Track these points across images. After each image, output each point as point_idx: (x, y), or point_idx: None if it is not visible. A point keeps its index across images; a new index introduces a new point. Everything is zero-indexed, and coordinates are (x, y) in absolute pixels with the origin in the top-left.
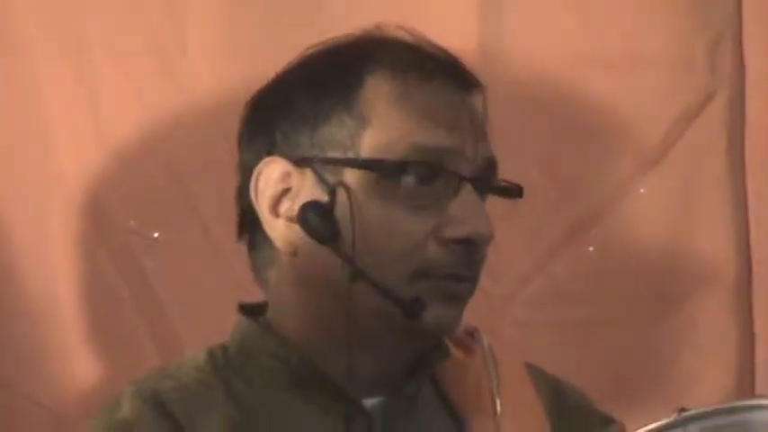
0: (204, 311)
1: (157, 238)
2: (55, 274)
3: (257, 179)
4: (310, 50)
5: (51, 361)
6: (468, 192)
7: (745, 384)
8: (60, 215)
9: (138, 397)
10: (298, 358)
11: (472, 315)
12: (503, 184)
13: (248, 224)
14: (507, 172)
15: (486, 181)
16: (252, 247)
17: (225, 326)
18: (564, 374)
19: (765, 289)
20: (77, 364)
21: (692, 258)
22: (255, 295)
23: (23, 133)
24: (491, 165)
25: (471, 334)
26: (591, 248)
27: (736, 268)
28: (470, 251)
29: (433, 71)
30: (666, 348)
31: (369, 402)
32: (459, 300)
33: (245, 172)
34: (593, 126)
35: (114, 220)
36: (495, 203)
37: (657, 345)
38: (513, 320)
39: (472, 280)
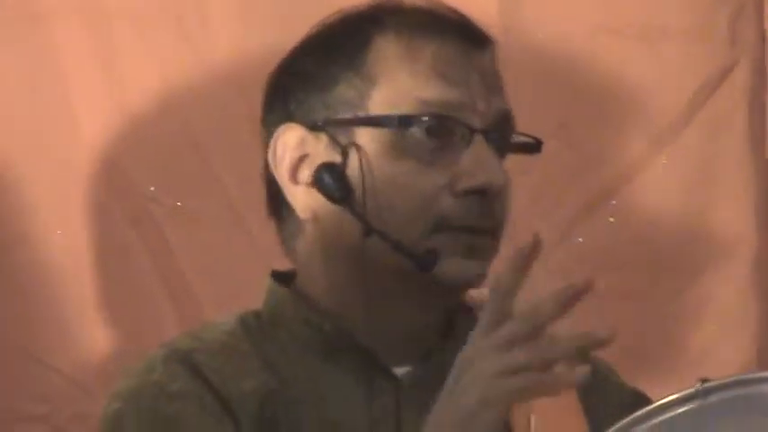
0: (224, 278)
1: (178, 204)
2: (75, 241)
3: (275, 148)
4: (325, 19)
5: (71, 328)
6: (479, 144)
7: (765, 356)
8: (80, 182)
9: (172, 359)
10: (330, 325)
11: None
12: (520, 137)
13: (275, 198)
14: None
15: (501, 134)
16: (279, 220)
17: (246, 293)
18: None
19: None
20: (97, 331)
21: (712, 230)
22: (276, 263)
23: (44, 101)
24: (505, 118)
25: None
26: (611, 219)
27: (757, 240)
28: (485, 202)
29: (440, 29)
30: (686, 320)
31: (400, 370)
32: (478, 252)
33: (266, 144)
34: (614, 97)
35: (134, 186)
36: (515, 173)
37: (677, 316)
38: (533, 291)
39: (491, 232)
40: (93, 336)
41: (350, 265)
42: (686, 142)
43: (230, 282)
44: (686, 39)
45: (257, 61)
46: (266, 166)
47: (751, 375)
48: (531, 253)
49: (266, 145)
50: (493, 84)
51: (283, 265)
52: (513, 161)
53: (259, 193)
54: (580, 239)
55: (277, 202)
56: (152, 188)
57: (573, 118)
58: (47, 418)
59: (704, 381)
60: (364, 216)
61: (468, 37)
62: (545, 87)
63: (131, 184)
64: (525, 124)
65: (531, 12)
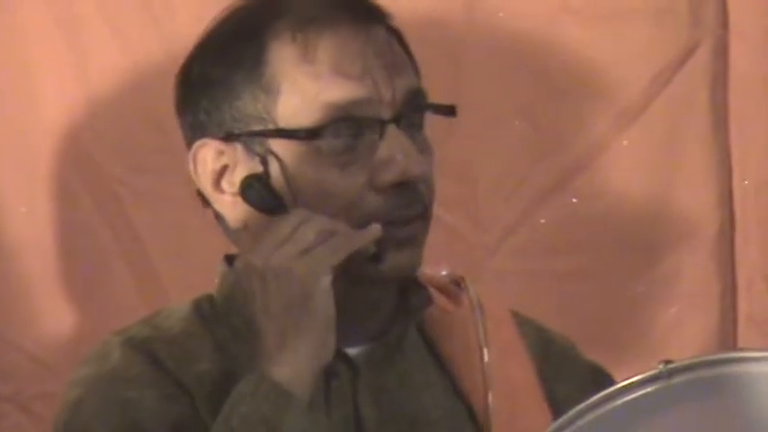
0: (189, 259)
1: (142, 186)
2: (40, 219)
3: (194, 163)
4: (220, 15)
5: (35, 307)
6: (392, 133)
7: (728, 337)
8: (46, 163)
9: (128, 346)
10: None
11: (455, 265)
12: (432, 106)
13: (207, 203)
14: (490, 121)
15: (412, 112)
16: (217, 218)
17: (210, 274)
18: (547, 325)
19: (747, 241)
20: (62, 310)
21: (674, 210)
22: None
23: (9, 84)
24: (414, 95)
25: (458, 283)
26: (574, 200)
27: (719, 220)
28: (408, 191)
29: (334, 16)
30: (649, 299)
31: (353, 351)
32: (410, 242)
33: (188, 148)
34: (577, 77)
35: (99, 166)
36: (476, 153)
37: (640, 296)
38: (496, 271)
39: (421, 218)
40: (57, 315)
41: None
42: (648, 123)
43: (194, 263)
44: (648, 19)
45: None
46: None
47: (714, 356)
48: None
49: (188, 147)
50: (394, 64)
51: None
52: (478, 144)
53: None
54: (543, 220)
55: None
56: (117, 168)
57: (535, 99)
58: (11, 397)
59: (667, 362)
60: None
61: (363, 17)
62: (507, 67)
63: (96, 165)
64: (488, 105)
65: None
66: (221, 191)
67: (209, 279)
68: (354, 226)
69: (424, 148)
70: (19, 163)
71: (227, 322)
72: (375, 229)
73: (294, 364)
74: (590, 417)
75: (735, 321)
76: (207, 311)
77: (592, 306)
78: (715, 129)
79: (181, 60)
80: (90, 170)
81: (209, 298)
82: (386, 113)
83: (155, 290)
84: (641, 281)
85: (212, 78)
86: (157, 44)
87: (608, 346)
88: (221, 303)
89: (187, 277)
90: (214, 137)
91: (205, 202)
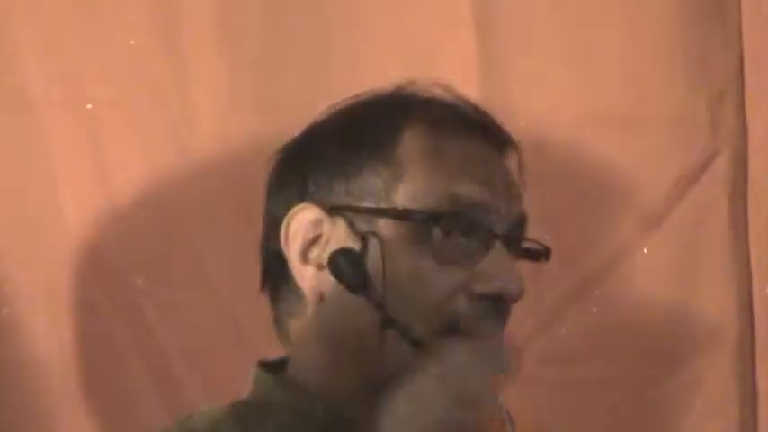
0: (210, 368)
1: (165, 298)
2: (62, 332)
3: (288, 225)
4: (345, 102)
5: (57, 419)
6: (499, 249)
7: None
8: (67, 273)
9: None
10: (324, 409)
11: None
12: (530, 243)
13: (272, 274)
14: None
15: (517, 238)
16: (275, 298)
17: (231, 382)
18: None
19: None
20: (84, 423)
21: (694, 318)
22: (263, 352)
23: (31, 189)
24: (522, 222)
25: None
26: (594, 309)
27: (739, 328)
28: (498, 308)
29: (468, 127)
30: (669, 408)
31: None
32: None
33: (273, 219)
34: (595, 185)
35: (121, 278)
36: None
37: (660, 404)
38: (515, 380)
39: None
40: (80, 427)
41: (360, 353)
42: (668, 231)
43: (216, 371)
44: (667, 126)
45: (243, 153)
46: (266, 239)
47: None
48: None
49: (270, 217)
50: (513, 187)
51: (271, 354)
52: None
53: (245, 285)
54: (563, 331)
55: (276, 279)
56: (138, 281)
57: (555, 207)
58: None
59: None
60: (383, 307)
61: (493, 137)
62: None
63: (118, 275)
64: None
65: (514, 99)
66: (306, 260)
67: (233, 388)
68: (435, 325)
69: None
70: (40, 275)
71: (263, 428)
72: None
73: None
74: None
75: (755, 430)
76: (243, 416)
77: (612, 415)
78: (734, 236)
79: (203, 173)
80: (112, 281)
81: (245, 403)
82: (499, 227)
83: (178, 400)
84: (661, 389)
85: (332, 152)
86: (178, 153)
87: None
88: (256, 408)
89: (208, 386)
90: (317, 204)
91: (266, 277)
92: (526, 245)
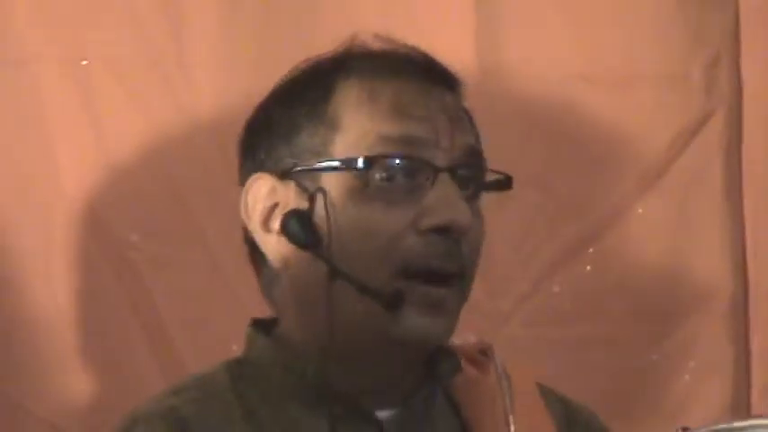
0: (204, 327)
1: (158, 253)
2: (57, 288)
3: (246, 197)
4: (296, 67)
5: (51, 374)
6: (444, 181)
7: (742, 404)
8: (62, 230)
9: (155, 416)
10: (313, 370)
11: (469, 331)
12: (490, 174)
13: (252, 247)
14: None
15: (467, 170)
16: (257, 269)
17: (226, 341)
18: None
19: (762, 308)
20: (77, 378)
21: (688, 278)
22: (256, 312)
23: (27, 149)
24: (471, 153)
25: (485, 351)
26: (588, 268)
27: (733, 288)
28: (449, 241)
29: (404, 70)
30: (663, 368)
31: (382, 414)
32: (442, 308)
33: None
34: (591, 145)
35: (116, 235)
36: (492, 221)
37: (654, 364)
38: (509, 338)
39: (457, 280)
40: (74, 383)
41: (321, 311)
42: (663, 191)
43: (210, 330)
44: (662, 87)
45: (238, 111)
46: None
47: (728, 424)
48: None
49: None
50: (458, 120)
51: (263, 313)
52: (492, 212)
53: (239, 243)
54: (557, 288)
55: (255, 252)
56: (133, 237)
57: (549, 166)
58: None
59: (685, 429)
60: (330, 260)
61: (431, 76)
62: (521, 134)
63: (113, 233)
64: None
65: (508, 59)
66: (268, 230)
67: (226, 347)
68: (390, 267)
69: (476, 215)
70: (36, 232)
71: (256, 387)
72: None
73: None
74: None
75: (749, 389)
76: (236, 375)
77: (606, 374)
78: (729, 196)
79: (198, 130)
80: (107, 239)
81: (238, 361)
82: (441, 161)
83: (171, 359)
84: (655, 349)
85: (275, 119)
86: (173, 113)
87: (622, 414)
88: (249, 367)
89: (203, 345)
90: (269, 173)
91: (250, 249)
92: (488, 177)
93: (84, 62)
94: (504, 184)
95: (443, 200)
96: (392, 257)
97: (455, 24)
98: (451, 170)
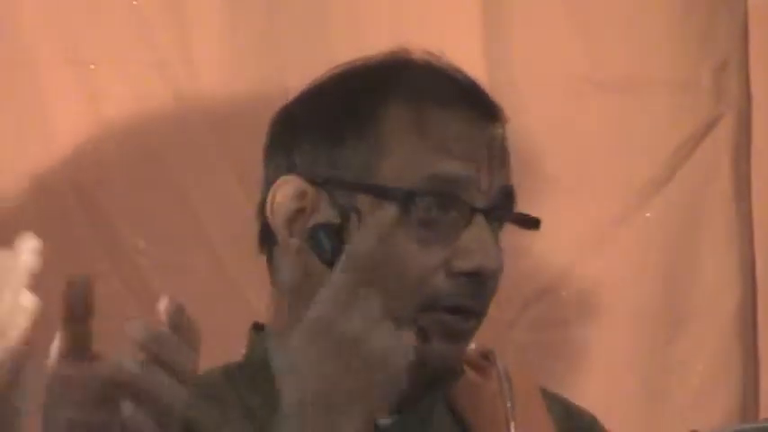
0: (209, 330)
1: (166, 258)
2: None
3: (274, 196)
4: (336, 69)
5: None
6: (479, 224)
7: (750, 408)
8: (67, 234)
9: None
10: None
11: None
12: (519, 214)
13: (266, 241)
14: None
15: (501, 211)
16: (270, 259)
17: (231, 345)
18: (567, 397)
19: None
20: None
21: (697, 282)
22: (263, 317)
23: (31, 151)
24: (507, 194)
25: (486, 356)
26: (595, 272)
27: (741, 292)
28: (477, 284)
29: (453, 99)
30: (671, 372)
31: (384, 421)
32: (462, 337)
33: (267, 187)
34: (598, 148)
35: (123, 240)
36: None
37: (661, 368)
38: (515, 343)
39: (478, 315)
40: None
41: None
42: (671, 195)
43: (215, 334)
44: (671, 91)
45: (245, 113)
46: (261, 204)
47: (737, 428)
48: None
49: (266, 185)
50: (499, 159)
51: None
52: None
53: (245, 249)
54: (563, 293)
55: (271, 242)
56: (140, 242)
57: (557, 170)
58: None
59: None
60: None
61: (479, 108)
62: (529, 139)
63: (120, 239)
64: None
65: (516, 65)
66: (291, 232)
67: (233, 351)
68: (418, 304)
69: (499, 248)
70: (40, 235)
71: (257, 389)
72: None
73: None
74: None
75: (757, 393)
76: (236, 377)
77: (613, 378)
78: (737, 200)
79: (205, 133)
80: (112, 242)
81: (239, 365)
82: (479, 202)
83: None
84: (665, 352)
85: (319, 125)
86: (177, 110)
87: (630, 419)
88: (250, 370)
89: (207, 348)
90: (302, 176)
91: (262, 241)
92: (515, 214)
93: (92, 66)
94: (531, 224)
95: (477, 243)
96: (420, 294)
97: (463, 33)
98: (487, 212)
